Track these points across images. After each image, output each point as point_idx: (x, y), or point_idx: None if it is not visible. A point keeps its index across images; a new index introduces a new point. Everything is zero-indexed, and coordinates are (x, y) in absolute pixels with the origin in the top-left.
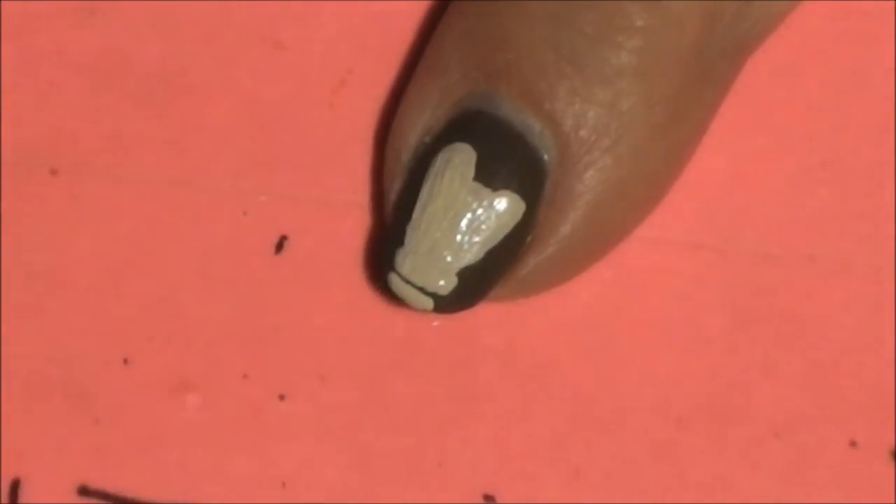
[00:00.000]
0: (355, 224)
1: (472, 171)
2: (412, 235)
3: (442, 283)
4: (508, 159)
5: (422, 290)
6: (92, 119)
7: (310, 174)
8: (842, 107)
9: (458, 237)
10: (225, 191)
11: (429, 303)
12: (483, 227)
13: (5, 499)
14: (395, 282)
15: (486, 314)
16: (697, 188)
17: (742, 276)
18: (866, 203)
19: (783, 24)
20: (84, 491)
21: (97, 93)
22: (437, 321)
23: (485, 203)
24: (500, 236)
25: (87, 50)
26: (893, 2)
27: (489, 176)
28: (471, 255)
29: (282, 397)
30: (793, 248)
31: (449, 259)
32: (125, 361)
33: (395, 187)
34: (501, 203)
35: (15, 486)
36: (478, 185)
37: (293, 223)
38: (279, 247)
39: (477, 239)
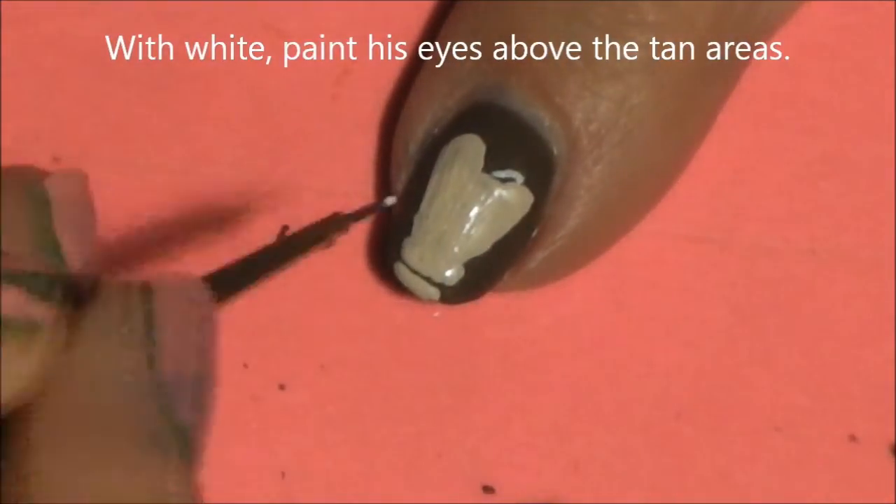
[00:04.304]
0: None
1: (481, 163)
2: (420, 226)
3: (449, 273)
4: (518, 151)
5: (428, 280)
6: (94, 107)
7: (312, 164)
8: (844, 102)
9: (466, 228)
10: (227, 180)
11: (435, 293)
12: (491, 218)
13: None
14: (401, 272)
15: (487, 306)
16: (699, 181)
17: (743, 270)
18: (867, 197)
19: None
20: None
21: (100, 81)
22: (438, 312)
23: (493, 194)
24: (508, 228)
25: (91, 38)
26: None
27: (498, 168)
28: (478, 247)
29: (282, 387)
30: (794, 242)
31: (456, 250)
32: None
33: (402, 178)
34: (510, 195)
35: None
36: (487, 177)
37: (295, 213)
38: (281, 236)
39: (485, 230)
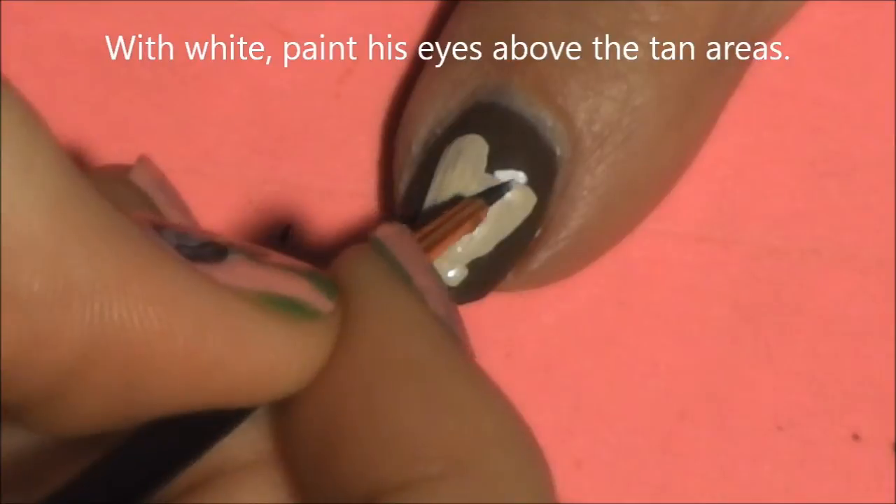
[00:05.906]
0: (360, 214)
1: (483, 163)
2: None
3: (452, 274)
4: (520, 152)
5: None
6: (95, 107)
7: (315, 163)
8: (847, 100)
9: None
10: (230, 179)
11: None
12: (494, 219)
13: None
14: None
15: (490, 305)
16: (701, 181)
17: (746, 269)
18: (870, 196)
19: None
20: None
21: (100, 81)
22: None
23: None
24: (511, 228)
25: (91, 38)
26: None
27: (501, 168)
28: (481, 247)
29: None
30: (797, 241)
31: (459, 250)
32: None
33: (404, 178)
34: (513, 195)
35: None
36: (489, 177)
37: (298, 212)
38: (284, 236)
39: (488, 231)
